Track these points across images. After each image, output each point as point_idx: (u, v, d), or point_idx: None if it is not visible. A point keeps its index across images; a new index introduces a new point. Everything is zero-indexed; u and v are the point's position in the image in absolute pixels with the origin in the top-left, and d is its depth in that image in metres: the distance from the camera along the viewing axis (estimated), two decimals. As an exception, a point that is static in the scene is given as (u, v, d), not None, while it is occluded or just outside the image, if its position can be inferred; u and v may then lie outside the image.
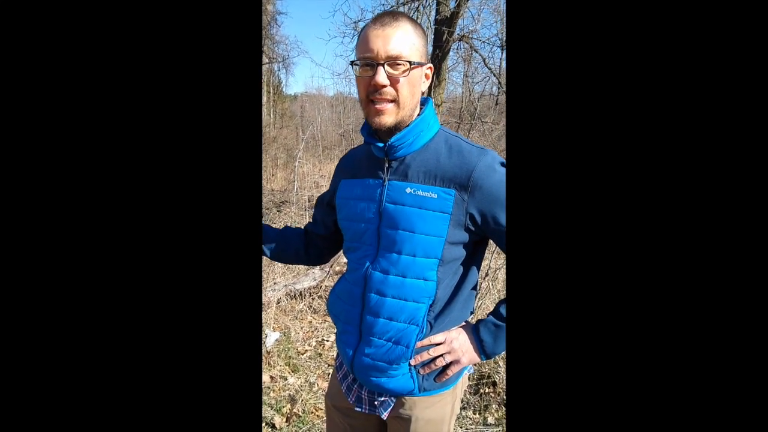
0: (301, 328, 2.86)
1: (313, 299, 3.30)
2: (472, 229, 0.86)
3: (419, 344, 0.89)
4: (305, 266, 3.92)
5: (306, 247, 1.13)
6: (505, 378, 2.17)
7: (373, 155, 0.92)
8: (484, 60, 5.30)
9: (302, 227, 1.16)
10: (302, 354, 2.60)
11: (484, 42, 5.46)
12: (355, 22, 5.22)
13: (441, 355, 0.90)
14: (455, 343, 0.90)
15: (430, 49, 4.88)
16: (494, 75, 5.45)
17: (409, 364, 0.90)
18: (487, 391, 2.17)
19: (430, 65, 0.87)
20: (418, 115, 0.88)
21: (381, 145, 0.87)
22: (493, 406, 2.06)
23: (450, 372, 0.91)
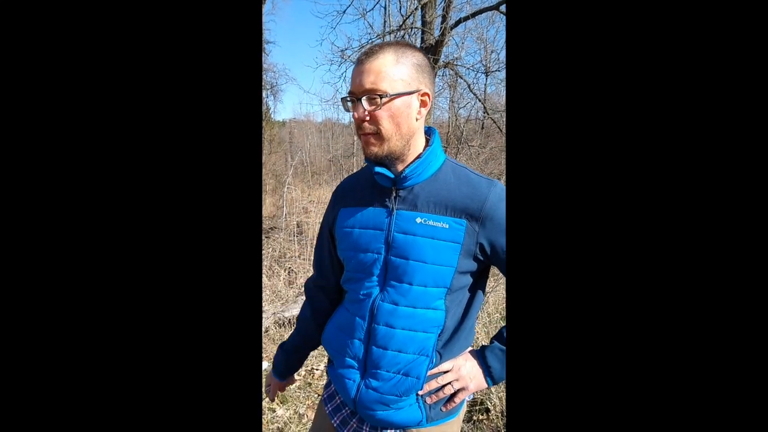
0: (290, 356, 2.80)
1: (302, 327, 3.25)
2: (481, 258, 0.86)
3: (429, 374, 0.88)
4: (294, 293, 3.87)
5: (323, 317, 1.06)
6: (497, 405, 2.13)
7: (376, 183, 0.91)
8: (469, 86, 5.43)
9: (307, 307, 1.09)
10: (291, 384, 2.54)
11: (468, 68, 5.60)
12: (342, 50, 5.33)
13: (449, 383, 0.89)
14: (463, 370, 0.89)
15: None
16: (479, 100, 5.57)
17: (417, 394, 0.88)
18: (480, 418, 2.13)
19: (425, 91, 0.85)
20: (427, 146, 0.89)
21: (391, 175, 0.86)
22: (487, 433, 2.01)
23: (457, 399, 0.90)
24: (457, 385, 0.89)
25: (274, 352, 1.17)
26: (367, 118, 0.82)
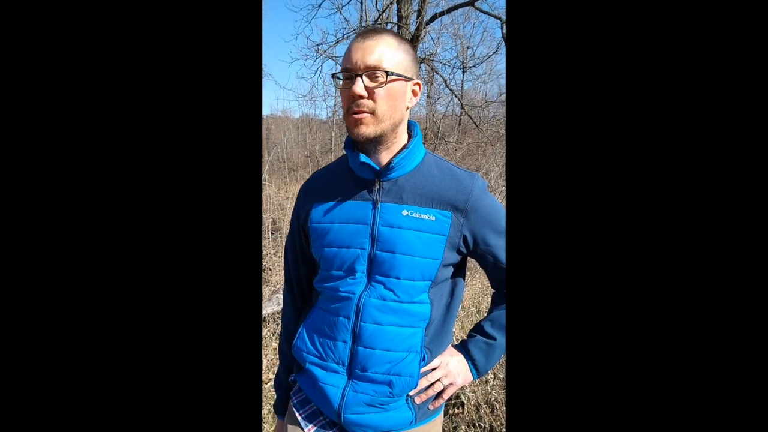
0: (265, 355, 2.77)
1: (277, 325, 3.21)
2: (463, 251, 0.86)
3: (422, 371, 0.87)
4: (269, 291, 3.82)
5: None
6: (471, 398, 2.15)
7: (354, 176, 0.88)
8: (445, 81, 5.45)
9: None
10: (265, 384, 2.51)
11: (444, 64, 5.62)
12: (317, 45, 5.28)
13: (437, 380, 0.88)
14: (451, 365, 0.89)
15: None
16: (456, 96, 5.60)
17: (408, 394, 0.87)
18: (456, 411, 2.14)
19: (418, 81, 0.86)
20: (412, 137, 0.88)
21: (376, 166, 0.84)
22: (462, 427, 2.03)
23: (446, 396, 0.90)
24: (446, 381, 0.88)
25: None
26: (366, 95, 0.79)
